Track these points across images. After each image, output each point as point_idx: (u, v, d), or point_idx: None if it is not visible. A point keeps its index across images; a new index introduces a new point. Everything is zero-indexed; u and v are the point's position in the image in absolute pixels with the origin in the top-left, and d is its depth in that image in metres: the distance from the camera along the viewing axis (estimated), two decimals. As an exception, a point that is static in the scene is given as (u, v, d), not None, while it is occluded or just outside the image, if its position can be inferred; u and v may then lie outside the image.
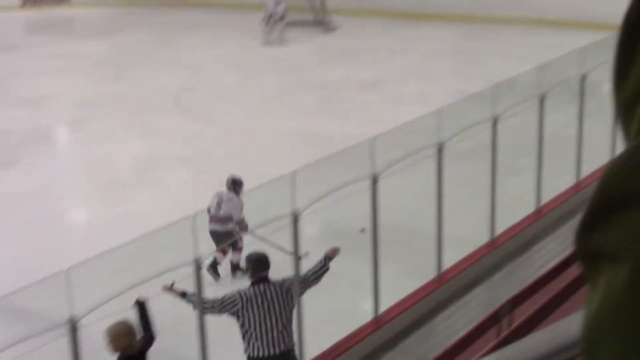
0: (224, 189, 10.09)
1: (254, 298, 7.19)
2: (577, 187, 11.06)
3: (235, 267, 10.05)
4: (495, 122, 10.84)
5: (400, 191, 10.98)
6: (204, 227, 9.29)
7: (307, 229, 9.34)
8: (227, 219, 9.83)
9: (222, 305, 7.20)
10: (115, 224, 11.13)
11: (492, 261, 9.83)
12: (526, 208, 10.66)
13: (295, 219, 7.80)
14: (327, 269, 7.58)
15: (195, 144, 15.00)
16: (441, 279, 9.32)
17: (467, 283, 9.49)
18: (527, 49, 20.39)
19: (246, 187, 9.84)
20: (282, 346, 7.25)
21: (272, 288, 7.27)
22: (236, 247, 9.98)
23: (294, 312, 7.46)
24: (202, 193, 10.50)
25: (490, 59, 20.52)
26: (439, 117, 9.37)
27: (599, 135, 11.29)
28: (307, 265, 7.69)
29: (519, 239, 10.21)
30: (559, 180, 11.34)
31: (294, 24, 24.65)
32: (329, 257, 7.59)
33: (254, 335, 7.19)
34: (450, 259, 9.61)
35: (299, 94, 18.15)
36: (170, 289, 7.19)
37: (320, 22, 25.14)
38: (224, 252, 10.04)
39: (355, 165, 8.64)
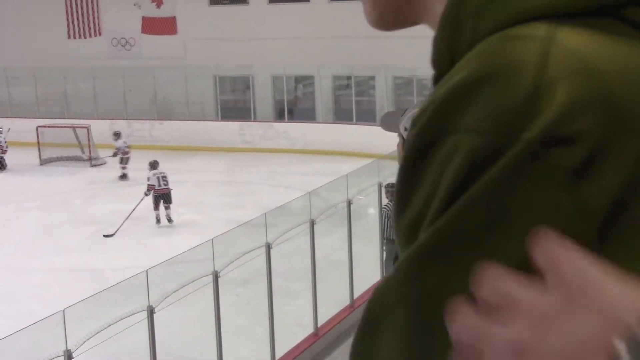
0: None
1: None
2: (351, 307, 11.36)
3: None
4: (268, 248, 11.04)
5: (178, 322, 10.81)
6: None
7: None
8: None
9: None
10: None
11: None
12: (304, 330, 10.80)
13: (69, 357, 7.51)
14: None
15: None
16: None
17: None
18: (294, 177, 21.02)
19: (13, 329, 9.30)
20: None
21: None
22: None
23: None
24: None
25: (259, 188, 20.97)
26: (212, 246, 9.40)
27: (367, 255, 11.75)
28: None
29: (299, 361, 10.29)
30: (334, 301, 11.61)
31: (60, 158, 24.19)
32: None
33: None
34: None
35: (67, 230, 17.61)
36: None
37: (87, 157, 24.79)
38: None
39: (130, 298, 8.46)
